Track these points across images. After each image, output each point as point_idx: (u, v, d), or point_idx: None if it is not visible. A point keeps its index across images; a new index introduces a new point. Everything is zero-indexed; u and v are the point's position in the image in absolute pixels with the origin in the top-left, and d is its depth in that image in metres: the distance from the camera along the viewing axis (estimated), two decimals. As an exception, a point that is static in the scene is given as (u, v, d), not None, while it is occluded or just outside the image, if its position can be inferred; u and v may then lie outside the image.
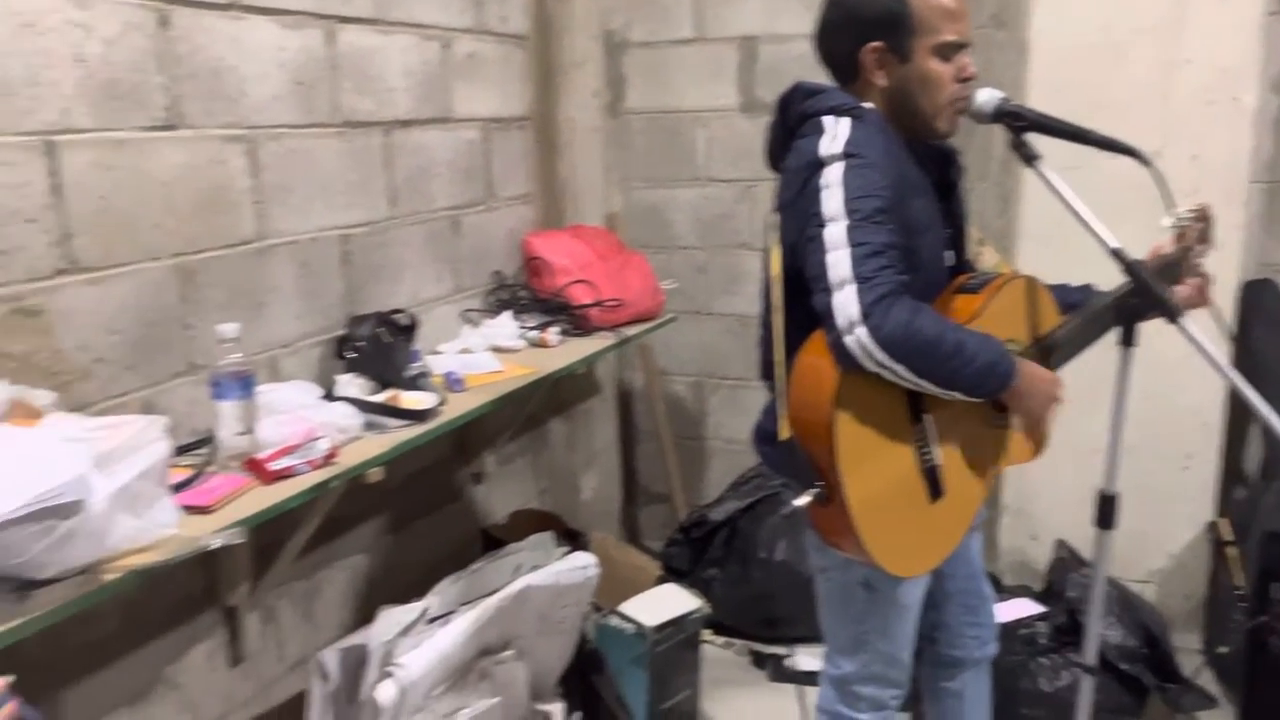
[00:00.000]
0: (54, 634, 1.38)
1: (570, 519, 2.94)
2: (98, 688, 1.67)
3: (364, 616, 2.27)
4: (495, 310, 2.71)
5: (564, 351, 2.58)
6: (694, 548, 2.96)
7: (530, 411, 2.82)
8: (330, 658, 1.92)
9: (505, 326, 2.58)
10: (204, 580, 1.92)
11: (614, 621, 2.24)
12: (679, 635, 2.25)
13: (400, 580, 2.39)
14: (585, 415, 3.30)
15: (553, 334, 2.61)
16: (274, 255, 2.02)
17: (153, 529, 1.41)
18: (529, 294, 2.80)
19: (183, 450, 1.71)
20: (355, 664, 1.93)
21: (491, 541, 2.64)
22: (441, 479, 2.61)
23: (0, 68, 1.50)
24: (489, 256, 2.76)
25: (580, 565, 2.09)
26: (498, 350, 2.51)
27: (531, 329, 2.61)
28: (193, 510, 1.54)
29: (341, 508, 1.98)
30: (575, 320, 2.72)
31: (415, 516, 2.51)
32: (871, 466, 1.46)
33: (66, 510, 1.28)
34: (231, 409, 1.67)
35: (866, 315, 1.37)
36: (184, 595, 1.88)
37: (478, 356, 2.45)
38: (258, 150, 1.96)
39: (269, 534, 1.88)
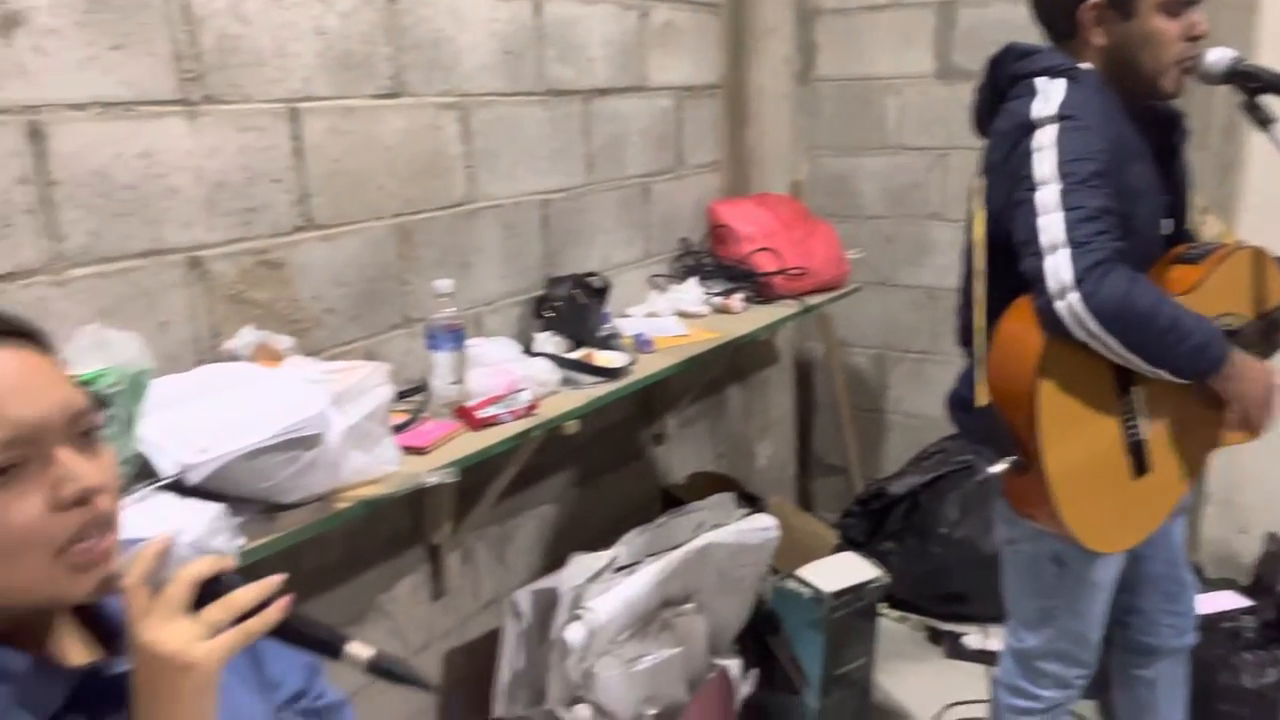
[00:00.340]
0: (292, 555, 1.53)
1: (745, 485, 2.98)
2: (324, 609, 1.85)
3: (551, 563, 2.40)
4: (681, 276, 2.78)
5: (747, 318, 2.62)
6: (871, 520, 2.96)
7: (711, 377, 2.88)
8: (523, 598, 2.04)
9: (691, 292, 2.64)
10: (411, 519, 2.07)
11: (791, 585, 2.27)
12: (856, 603, 2.26)
13: (585, 531, 2.50)
14: (763, 384, 3.33)
15: (737, 300, 2.65)
16: (481, 218, 2.15)
17: (378, 464, 1.55)
18: (714, 261, 2.85)
19: (400, 396, 1.85)
20: (546, 606, 2.05)
21: (671, 500, 2.72)
22: (626, 438, 2.71)
23: (253, 40, 1.66)
24: (676, 223, 2.82)
25: (761, 526, 2.14)
26: (683, 315, 2.58)
27: (716, 295, 2.66)
28: (410, 451, 1.67)
29: (535, 459, 2.09)
30: (759, 287, 2.75)
31: (601, 472, 2.62)
32: (1073, 437, 1.44)
33: (309, 442, 1.42)
34: (445, 359, 1.79)
35: (1080, 281, 1.34)
36: (395, 532, 2.03)
37: (664, 320, 2.52)
38: (469, 117, 2.08)
39: (470, 479, 2.00)
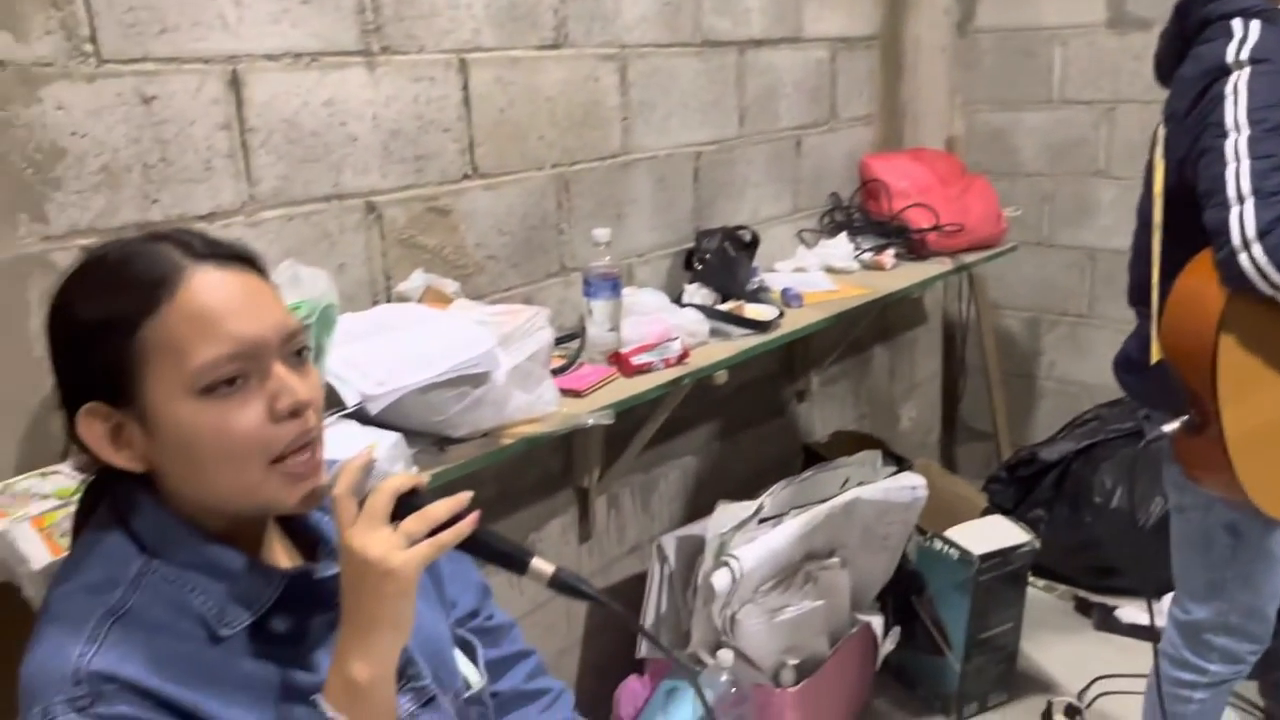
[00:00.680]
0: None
1: (888, 447, 2.95)
2: (479, 542, 1.94)
3: (692, 513, 2.44)
4: (830, 232, 2.75)
5: (899, 275, 2.57)
6: (1019, 486, 2.89)
7: (856, 336, 2.85)
8: (669, 543, 2.09)
9: (841, 247, 2.61)
10: (562, 463, 2.14)
11: (938, 545, 2.25)
12: (1005, 567, 2.22)
13: (725, 483, 2.53)
14: (909, 344, 3.28)
15: (888, 257, 2.61)
16: (635, 169, 2.18)
17: (539, 404, 1.60)
18: (863, 216, 2.81)
19: (556, 342, 1.91)
20: (691, 552, 2.10)
21: (813, 457, 2.71)
22: (768, 394, 2.72)
23: (428, -8, 1.73)
24: (826, 177, 2.79)
25: (909, 485, 2.12)
26: (831, 271, 2.56)
27: (866, 251, 2.63)
28: (567, 393, 1.73)
29: (680, 410, 2.12)
30: (911, 244, 2.70)
31: (743, 427, 2.63)
32: (1254, 397, 1.38)
33: (478, 379, 1.49)
34: (601, 307, 1.84)
35: (1263, 234, 1.28)
36: (546, 474, 2.11)
37: (812, 276, 2.51)
38: (627, 68, 2.11)
39: (617, 427, 2.04)
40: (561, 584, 0.91)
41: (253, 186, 1.52)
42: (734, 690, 1.87)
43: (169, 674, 0.83)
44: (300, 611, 0.93)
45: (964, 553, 2.21)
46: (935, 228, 2.70)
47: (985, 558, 2.20)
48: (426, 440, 1.49)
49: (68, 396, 0.88)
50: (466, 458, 1.50)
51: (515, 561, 0.91)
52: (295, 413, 0.87)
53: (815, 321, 2.19)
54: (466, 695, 1.08)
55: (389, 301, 1.72)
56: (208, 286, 0.85)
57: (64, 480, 1.23)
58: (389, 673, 0.86)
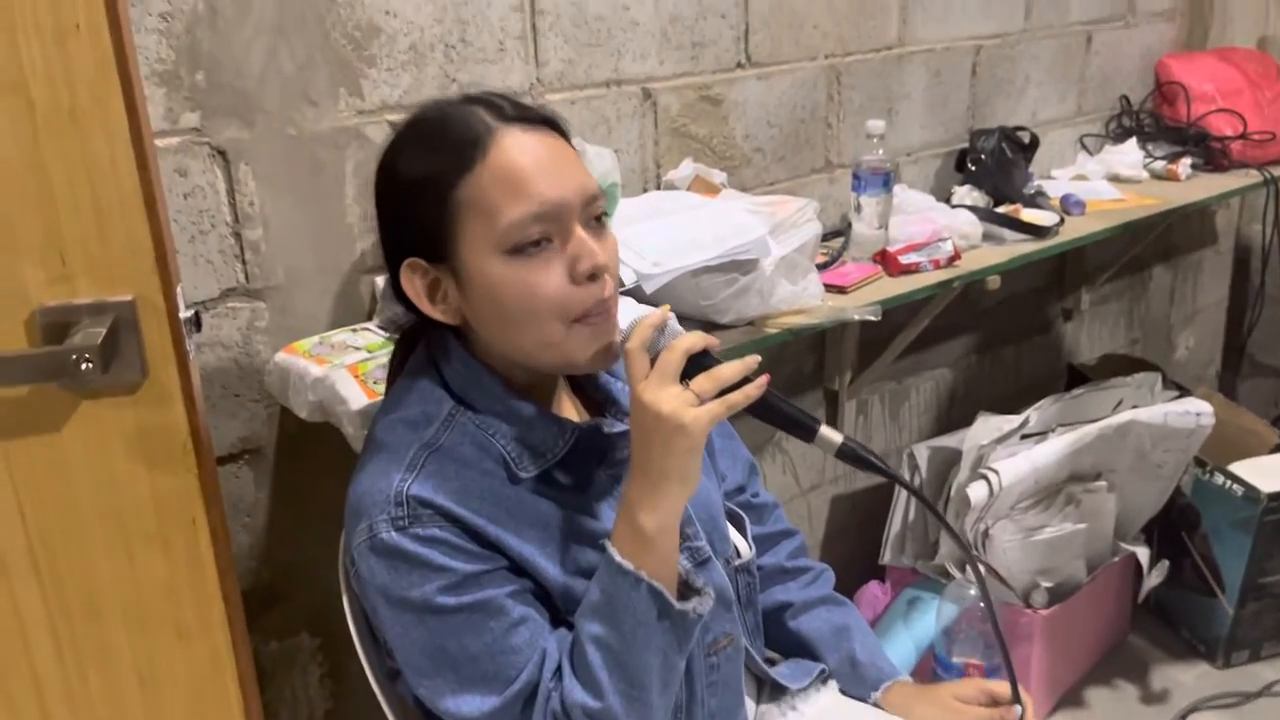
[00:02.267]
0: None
1: (1166, 373, 2.73)
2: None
3: (942, 427, 2.37)
4: (1117, 138, 2.53)
5: (1194, 186, 2.35)
6: (1315, 427, 2.60)
7: (1135, 253, 2.63)
8: (922, 452, 2.04)
9: (1128, 154, 2.40)
10: (814, 363, 2.12)
11: (1219, 480, 2.08)
12: (1297, 509, 2.03)
13: (981, 400, 2.43)
14: (1193, 267, 2.99)
15: (1183, 166, 2.38)
16: (910, 62, 2.08)
17: (804, 296, 1.58)
18: (1155, 122, 2.57)
19: (820, 239, 1.88)
20: (944, 463, 2.04)
21: (1078, 378, 2.55)
22: (1033, 309, 2.57)
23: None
24: (1116, 79, 2.56)
25: (1193, 411, 1.96)
26: (1117, 180, 2.36)
27: (1159, 159, 2.41)
28: (831, 289, 1.70)
29: (939, 318, 2.03)
30: (1210, 154, 2.45)
31: (1003, 342, 2.51)
32: None
33: (747, 266, 1.49)
34: (870, 202, 1.78)
35: None
36: (797, 372, 2.09)
37: (1094, 184, 2.32)
38: (909, -47, 2.01)
39: (872, 331, 2.00)
40: (849, 453, 0.90)
41: (539, 69, 1.56)
42: (982, 606, 1.82)
43: (474, 505, 0.89)
44: (587, 463, 0.98)
45: (1250, 489, 2.03)
46: (1241, 136, 2.43)
47: (1274, 496, 2.01)
48: (693, 324, 1.51)
49: (391, 252, 0.95)
50: (731, 344, 1.51)
51: (803, 427, 0.91)
52: (593, 276, 0.90)
53: (1098, 230, 2.03)
54: (736, 563, 1.10)
55: (658, 189, 1.75)
56: (516, 148, 0.88)
57: (372, 336, 1.34)
58: (674, 525, 0.89)
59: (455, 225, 0.88)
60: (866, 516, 2.23)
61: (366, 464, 0.93)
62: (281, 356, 1.32)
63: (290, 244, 1.37)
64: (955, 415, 2.41)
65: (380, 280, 1.43)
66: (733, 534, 1.12)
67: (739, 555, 1.11)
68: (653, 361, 0.89)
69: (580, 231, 0.90)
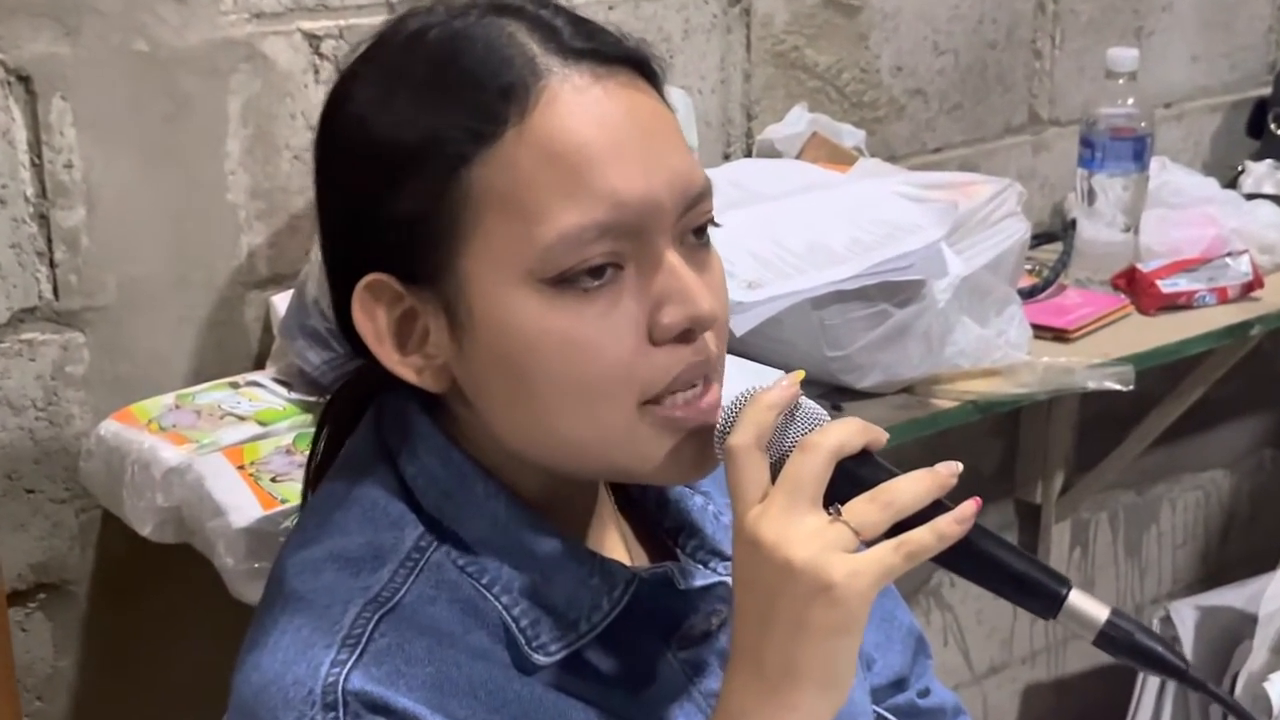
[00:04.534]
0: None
1: None
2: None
3: (1211, 569, 2.40)
4: None
5: None
6: None
7: None
8: (1185, 614, 2.01)
9: None
10: (999, 457, 2.08)
11: None
12: None
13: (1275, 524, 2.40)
14: None
15: None
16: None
17: (999, 345, 1.52)
18: None
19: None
20: (1220, 633, 2.02)
21: None
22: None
23: None
24: None
25: None
26: None
27: None
28: (1042, 331, 1.64)
29: (1215, 389, 2.00)
30: None
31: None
32: None
33: (906, 293, 1.43)
34: (1113, 187, 1.74)
35: None
36: (972, 471, 2.04)
37: None
38: None
39: (1099, 406, 1.97)
40: (1123, 640, 0.84)
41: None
42: None
43: (461, 713, 0.84)
44: (645, 637, 0.93)
45: None
46: None
47: None
48: (814, 392, 1.47)
49: (339, 259, 0.90)
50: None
51: (1039, 592, 0.85)
52: (688, 332, 0.85)
53: None
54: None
55: (750, 155, 1.73)
56: (581, 106, 0.83)
57: (268, 396, 1.30)
58: None
59: (459, 227, 0.83)
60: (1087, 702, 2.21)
61: (270, 632, 0.88)
62: (111, 427, 1.28)
63: (130, 235, 1.33)
64: (1235, 549, 2.40)
65: (279, 299, 1.40)
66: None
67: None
68: (775, 469, 0.84)
69: (672, 256, 0.85)
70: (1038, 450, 2.06)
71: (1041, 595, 0.84)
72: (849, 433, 0.85)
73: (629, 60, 0.86)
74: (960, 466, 0.84)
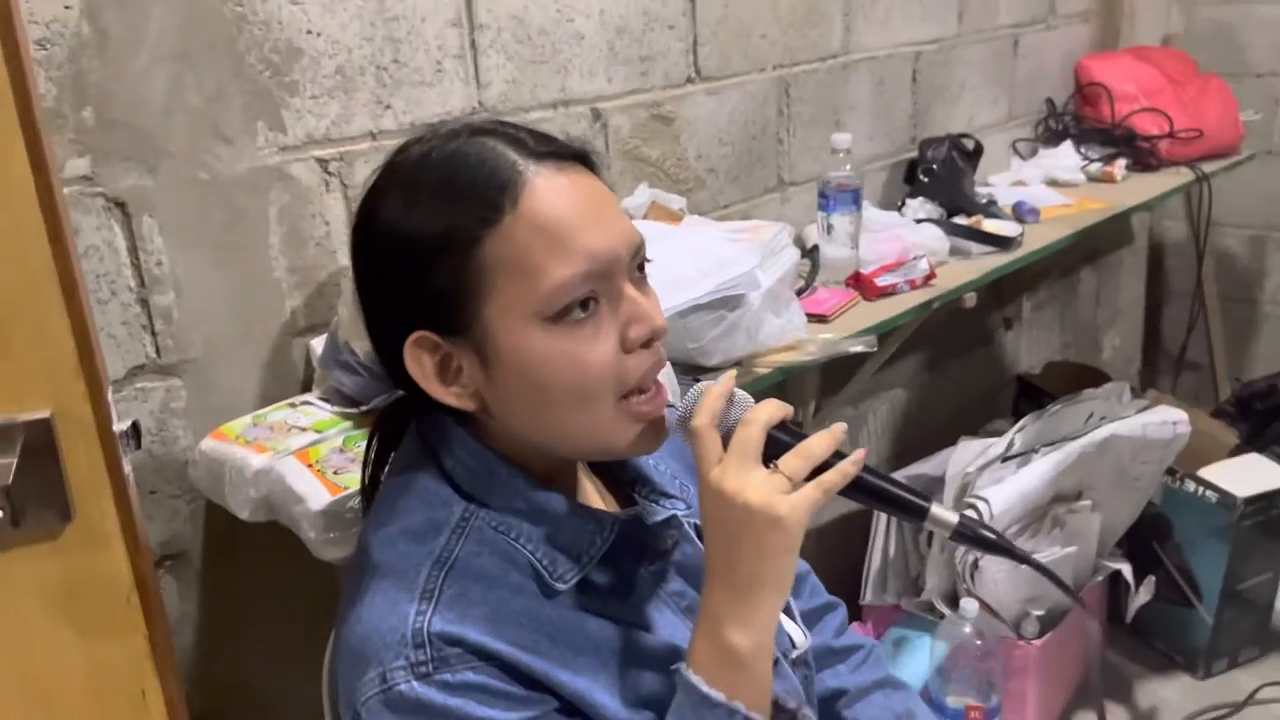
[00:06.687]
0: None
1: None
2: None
3: (899, 449, 2.30)
4: (1047, 141, 2.51)
5: (1132, 188, 2.33)
6: (1252, 421, 2.62)
7: (1067, 259, 2.62)
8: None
9: (1066, 158, 2.37)
10: (776, 397, 1.99)
11: (1190, 487, 2.04)
12: (1270, 511, 2.00)
13: (934, 417, 2.36)
14: (1114, 267, 3.01)
15: (1119, 167, 2.36)
16: (855, 71, 1.98)
17: (789, 330, 1.45)
18: (1077, 124, 2.55)
19: (787, 262, 1.76)
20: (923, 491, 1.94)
21: (1028, 389, 2.52)
22: (976, 321, 2.51)
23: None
24: (1041, 81, 2.53)
25: (1170, 420, 1.90)
26: (1055, 184, 2.32)
27: (1095, 161, 2.38)
28: (812, 318, 1.58)
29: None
30: (1140, 154, 2.45)
31: (949, 356, 2.45)
32: None
33: (734, 302, 1.34)
34: (842, 222, 1.67)
35: None
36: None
37: (1035, 190, 2.27)
38: (850, -43, 1.91)
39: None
40: (970, 534, 0.77)
41: (481, 90, 1.39)
42: (979, 643, 1.72)
43: (511, 634, 0.72)
44: (626, 560, 0.82)
45: (1224, 495, 1.99)
46: (1169, 134, 2.43)
47: (1249, 501, 1.98)
48: (677, 370, 1.36)
49: (387, 325, 0.77)
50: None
51: (911, 508, 0.77)
52: (648, 342, 0.75)
53: (1062, 238, 1.99)
54: (793, 656, 0.95)
55: (614, 219, 1.59)
56: (552, 192, 0.72)
57: (318, 411, 1.15)
58: (769, 642, 0.75)
59: (480, 289, 0.72)
60: (838, 554, 2.11)
61: (365, 593, 0.74)
62: (210, 444, 1.12)
63: (207, 308, 1.17)
64: (912, 436, 2.33)
65: (316, 342, 1.23)
66: (783, 620, 0.96)
67: (794, 645, 0.96)
68: (725, 440, 0.74)
69: (629, 289, 0.75)
70: (798, 390, 1.98)
71: (914, 510, 0.76)
72: (772, 410, 0.76)
73: (578, 156, 0.76)
74: (845, 427, 0.76)
